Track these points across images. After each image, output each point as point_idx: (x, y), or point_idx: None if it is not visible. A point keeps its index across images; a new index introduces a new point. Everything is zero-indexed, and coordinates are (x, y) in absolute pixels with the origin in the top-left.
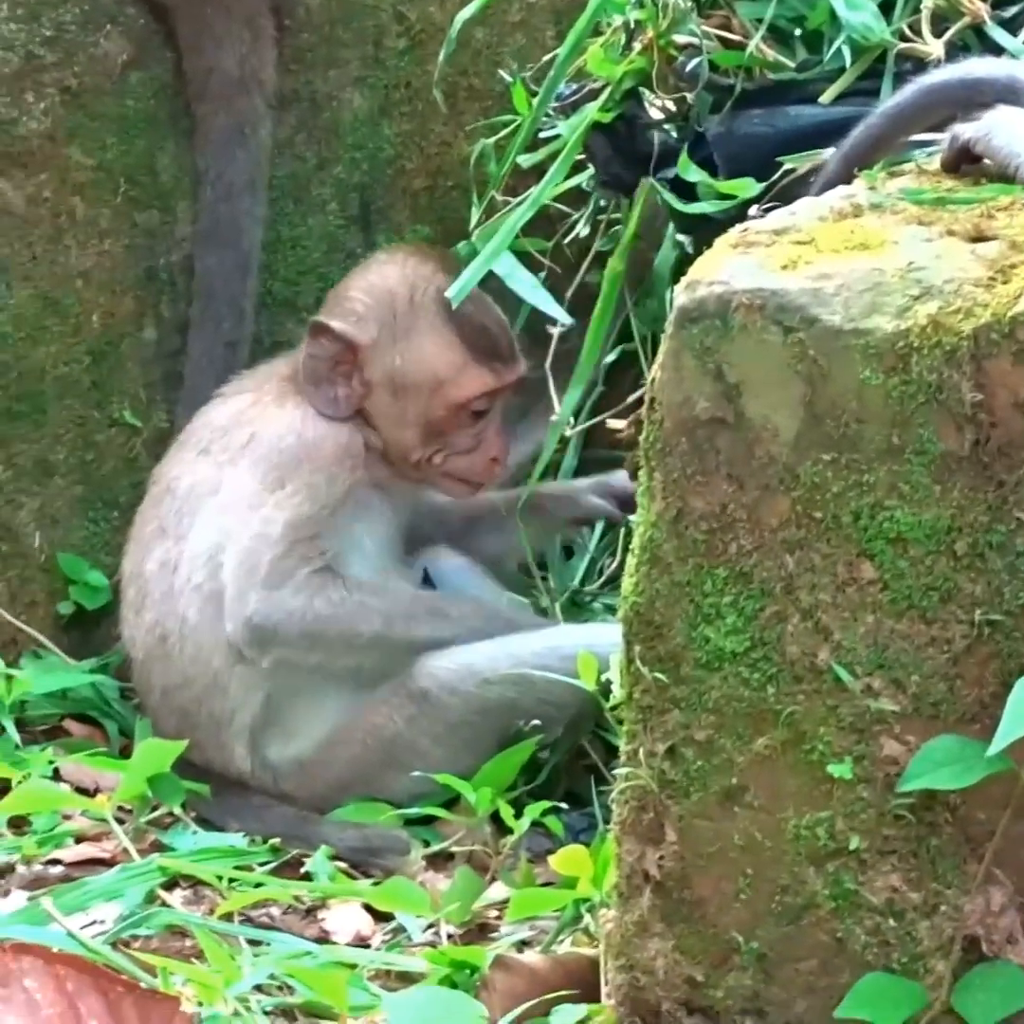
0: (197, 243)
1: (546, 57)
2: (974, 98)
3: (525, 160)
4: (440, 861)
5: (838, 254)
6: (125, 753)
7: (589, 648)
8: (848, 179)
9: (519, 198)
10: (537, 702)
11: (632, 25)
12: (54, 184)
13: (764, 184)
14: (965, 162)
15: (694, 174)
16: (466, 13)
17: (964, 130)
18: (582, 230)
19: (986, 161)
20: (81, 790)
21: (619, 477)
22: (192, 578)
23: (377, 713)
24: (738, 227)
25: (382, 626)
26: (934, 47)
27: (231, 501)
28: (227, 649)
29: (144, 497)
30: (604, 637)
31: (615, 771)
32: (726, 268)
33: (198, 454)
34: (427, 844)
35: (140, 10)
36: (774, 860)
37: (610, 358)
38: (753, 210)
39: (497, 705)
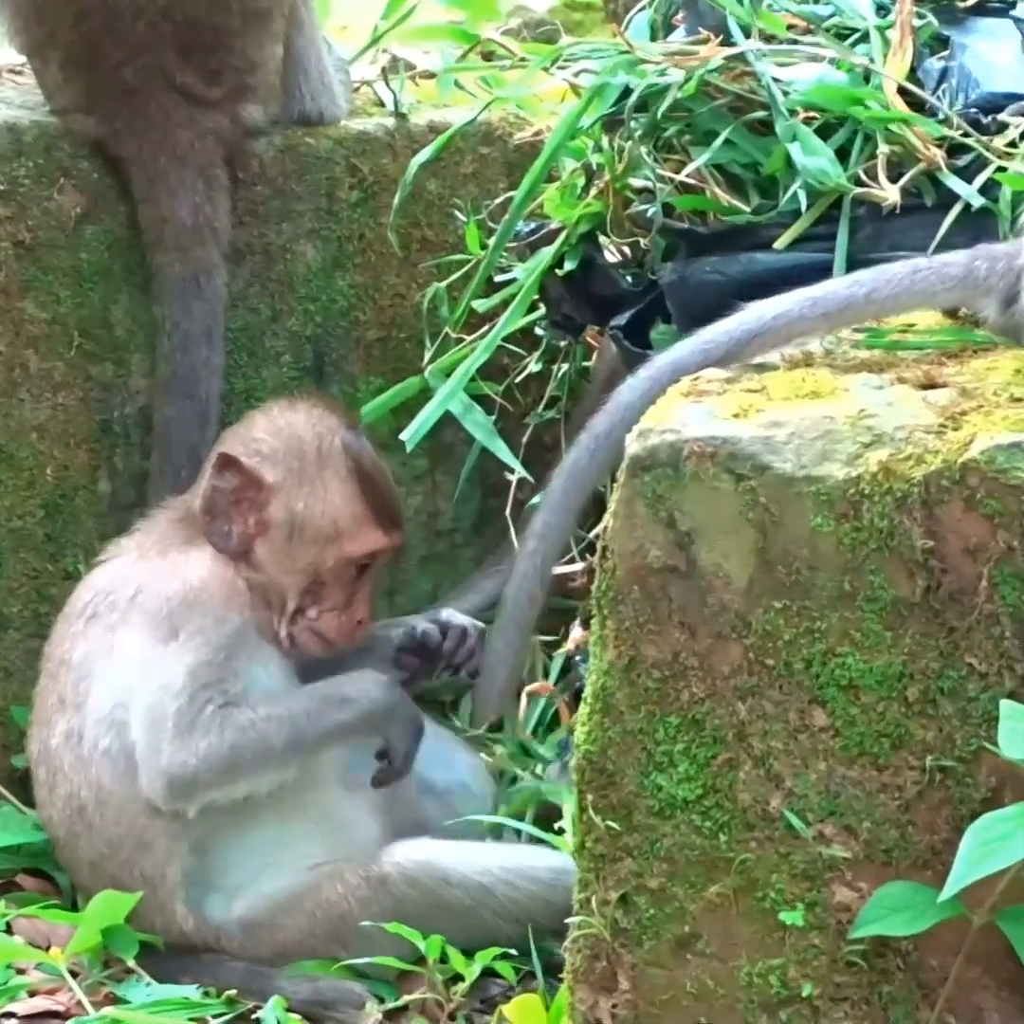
0: (155, 393)
1: (500, 199)
2: None
3: (480, 305)
4: (396, 1013)
5: (790, 402)
6: (77, 908)
7: (563, 871)
8: None
9: (471, 337)
10: (494, 915)
11: (594, 168)
12: (8, 337)
13: None
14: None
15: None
16: (421, 158)
17: None
18: (535, 371)
19: None
20: (34, 944)
21: (448, 611)
22: (100, 743)
23: (332, 888)
24: (689, 376)
25: (291, 730)
26: (890, 193)
27: (126, 658)
28: (146, 805)
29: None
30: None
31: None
32: (678, 416)
33: (86, 622)
34: (382, 1001)
35: (94, 164)
36: (727, 1008)
37: None
38: None
39: (454, 908)
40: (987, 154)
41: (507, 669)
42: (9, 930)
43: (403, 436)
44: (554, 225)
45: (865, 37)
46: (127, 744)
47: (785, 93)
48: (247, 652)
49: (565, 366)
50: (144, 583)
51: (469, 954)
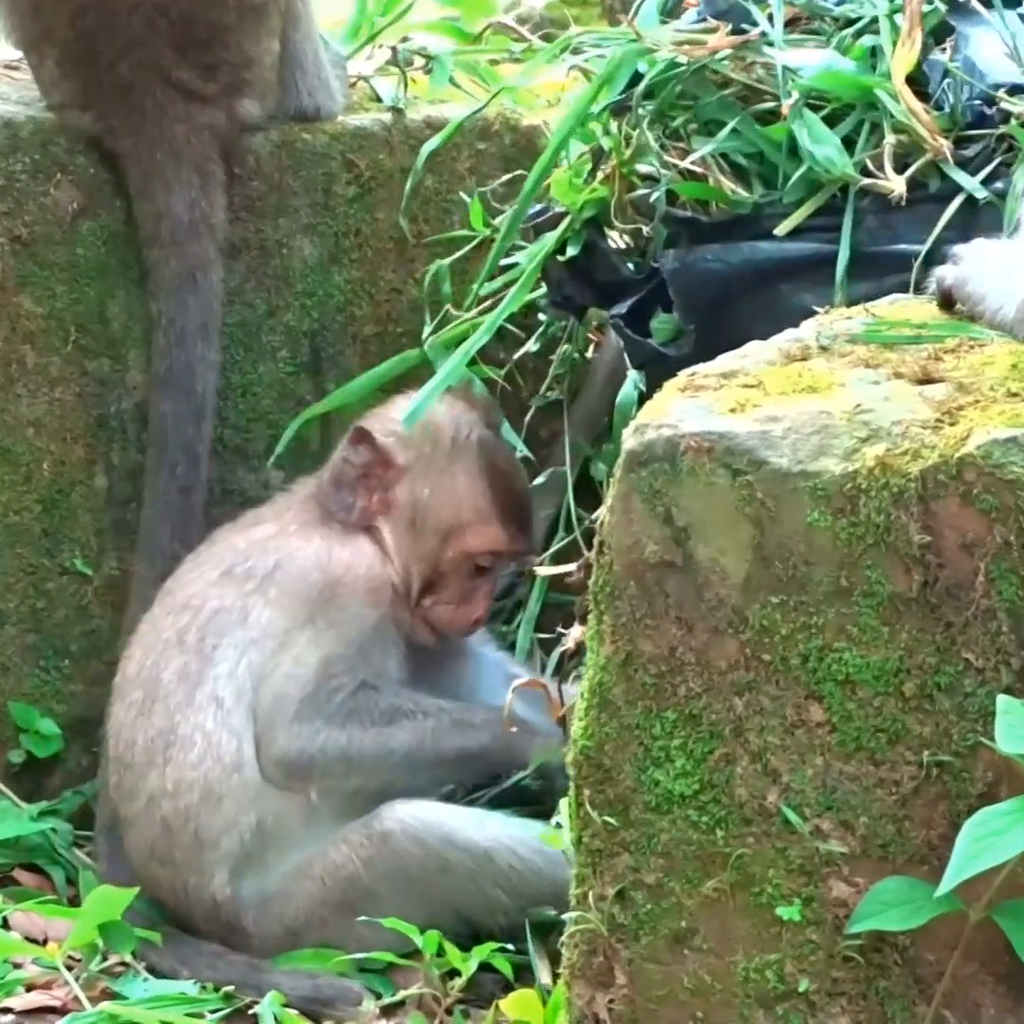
0: (151, 389)
1: (502, 178)
2: None
3: (484, 289)
4: (393, 1009)
5: (786, 397)
6: (73, 903)
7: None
8: None
9: (471, 313)
10: (494, 884)
11: (606, 149)
12: (4, 333)
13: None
14: (951, 305)
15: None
16: (431, 145)
17: (945, 275)
18: (534, 352)
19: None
20: (31, 939)
21: None
22: (218, 694)
23: (338, 851)
24: (686, 370)
25: (412, 743)
26: (896, 183)
27: (261, 636)
28: (233, 758)
29: (153, 606)
30: None
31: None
32: (674, 411)
33: (220, 575)
34: (379, 996)
35: (90, 159)
36: (724, 1003)
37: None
38: None
39: (457, 871)
40: (1016, 126)
41: None
42: (6, 925)
43: (402, 416)
44: (558, 209)
45: (872, 23)
46: (241, 704)
47: (793, 79)
48: (381, 646)
49: (566, 347)
50: (283, 560)
51: (466, 947)
